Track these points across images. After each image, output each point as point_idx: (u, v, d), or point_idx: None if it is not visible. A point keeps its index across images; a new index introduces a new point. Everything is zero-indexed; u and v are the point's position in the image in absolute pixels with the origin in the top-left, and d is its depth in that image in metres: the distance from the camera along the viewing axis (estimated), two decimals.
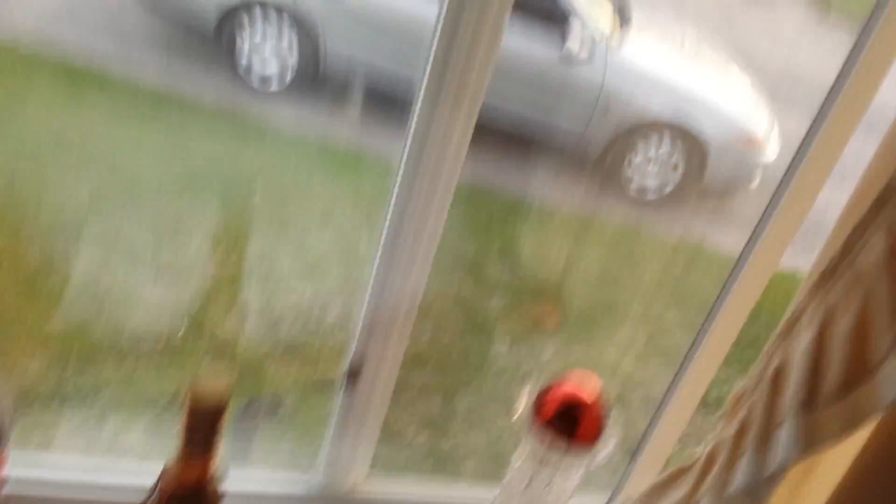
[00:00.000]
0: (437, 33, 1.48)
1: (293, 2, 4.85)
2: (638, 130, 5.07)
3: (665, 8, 7.94)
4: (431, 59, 1.50)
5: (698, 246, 5.08)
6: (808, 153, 1.74)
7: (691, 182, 5.23)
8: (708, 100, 5.28)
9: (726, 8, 9.23)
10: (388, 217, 1.68)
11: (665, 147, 5.12)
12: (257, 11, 4.93)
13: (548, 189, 5.18)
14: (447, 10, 1.45)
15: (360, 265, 3.96)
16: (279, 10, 4.93)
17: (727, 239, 5.27)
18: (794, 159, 1.82)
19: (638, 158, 5.16)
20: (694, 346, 2.00)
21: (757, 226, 1.93)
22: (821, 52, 8.95)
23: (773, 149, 5.26)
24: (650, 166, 5.18)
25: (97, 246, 3.63)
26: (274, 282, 3.69)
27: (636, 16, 5.62)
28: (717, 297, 1.95)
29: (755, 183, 5.37)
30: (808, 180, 1.77)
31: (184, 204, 3.90)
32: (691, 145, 5.09)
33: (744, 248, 1.95)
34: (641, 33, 5.46)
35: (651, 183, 5.23)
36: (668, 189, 5.25)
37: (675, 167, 5.18)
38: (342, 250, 3.97)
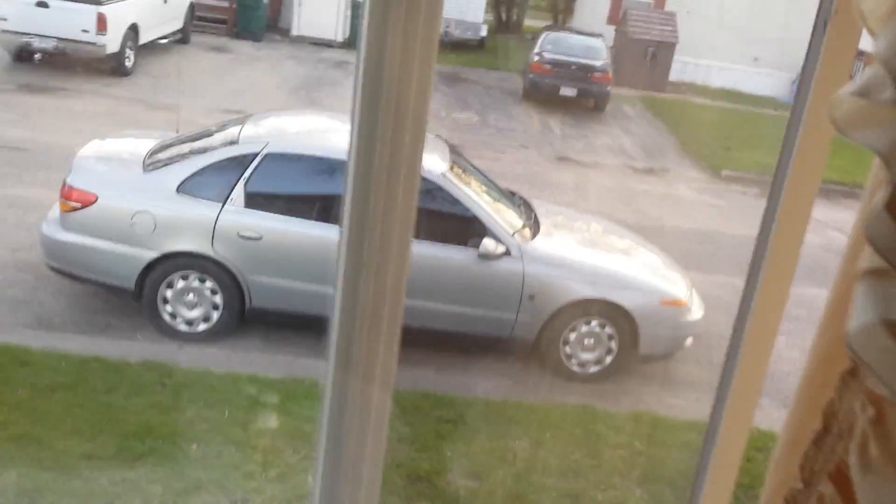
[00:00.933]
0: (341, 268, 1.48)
1: (213, 252, 4.97)
2: (566, 310, 5.19)
3: (569, 200, 8.44)
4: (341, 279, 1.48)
5: (650, 414, 5.05)
6: (749, 311, 1.72)
7: (628, 350, 5.31)
8: (622, 274, 5.50)
9: (625, 183, 9.85)
10: (324, 443, 1.57)
11: (595, 322, 5.23)
12: (177, 262, 5.01)
13: (493, 382, 5.16)
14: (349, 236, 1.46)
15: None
16: (198, 260, 5.04)
17: (678, 402, 5.27)
18: (738, 318, 1.81)
19: (572, 336, 5.25)
20: None
21: (719, 389, 1.89)
22: (723, 207, 9.54)
23: (696, 305, 5.43)
24: (585, 341, 5.27)
25: None
26: None
27: (544, 212, 5.96)
28: (697, 470, 1.88)
29: (689, 341, 5.48)
30: (759, 336, 1.74)
31: (117, 470, 3.71)
32: (618, 317, 5.22)
33: (712, 414, 1.89)
34: (551, 227, 5.77)
35: (589, 356, 5.29)
36: (609, 360, 5.31)
37: (610, 338, 5.27)
38: (289, 490, 3.79)
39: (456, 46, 13.77)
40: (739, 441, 1.79)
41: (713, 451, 1.82)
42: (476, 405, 4.75)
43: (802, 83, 1.41)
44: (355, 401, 1.54)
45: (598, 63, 12.47)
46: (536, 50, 12.59)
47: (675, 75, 14.98)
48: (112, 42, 9.90)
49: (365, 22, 1.34)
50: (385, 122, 1.40)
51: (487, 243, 5.07)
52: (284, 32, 14.30)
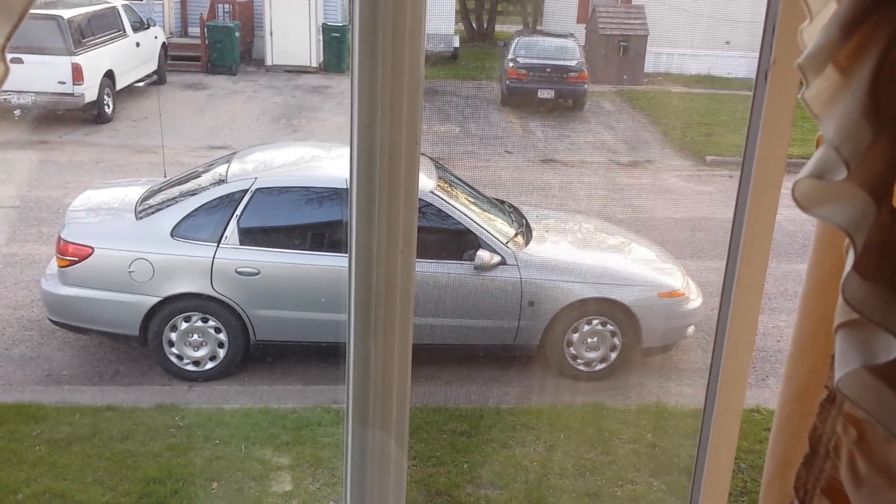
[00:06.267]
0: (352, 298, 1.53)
1: (213, 291, 5.02)
2: (566, 312, 5.25)
3: (558, 202, 8.51)
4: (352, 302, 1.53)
5: (659, 405, 5.11)
6: (732, 295, 1.77)
7: (632, 345, 5.37)
8: (617, 271, 5.58)
9: (611, 179, 9.93)
10: (349, 464, 1.62)
11: (595, 321, 5.30)
12: (179, 305, 5.07)
13: (502, 390, 5.21)
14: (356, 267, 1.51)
15: None
16: (199, 300, 5.10)
17: (686, 390, 5.33)
18: (721, 305, 1.87)
19: (575, 336, 5.31)
20: None
21: (710, 376, 1.95)
22: (711, 192, 9.63)
23: (694, 293, 5.49)
24: (588, 340, 5.33)
25: None
26: None
27: (535, 217, 6.03)
28: (697, 456, 1.94)
29: (691, 329, 5.55)
30: (742, 318, 1.79)
31: None
32: (618, 313, 5.28)
33: (706, 398, 1.94)
34: (543, 232, 5.85)
35: (593, 355, 5.36)
36: (613, 356, 5.37)
37: (613, 335, 5.33)
38: None
39: (429, 60, 13.88)
40: (734, 421, 1.84)
41: (710, 434, 1.87)
42: (487, 415, 4.81)
43: (749, 135, 1.49)
44: (376, 418, 1.59)
45: (572, 63, 12.57)
46: (510, 56, 12.68)
47: (649, 66, 15.08)
48: (89, 91, 9.95)
49: (355, 53, 1.40)
50: (382, 148, 1.46)
51: (482, 255, 5.13)
52: (259, 63, 14.37)
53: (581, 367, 5.37)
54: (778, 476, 1.06)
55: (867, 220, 0.77)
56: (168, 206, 5.31)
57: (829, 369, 0.89)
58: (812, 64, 0.82)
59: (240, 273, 5.05)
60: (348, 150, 1.48)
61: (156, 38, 12.34)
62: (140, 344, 5.12)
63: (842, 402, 0.87)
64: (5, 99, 9.73)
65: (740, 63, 15.52)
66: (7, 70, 0.81)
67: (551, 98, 12.22)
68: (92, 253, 4.98)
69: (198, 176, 5.73)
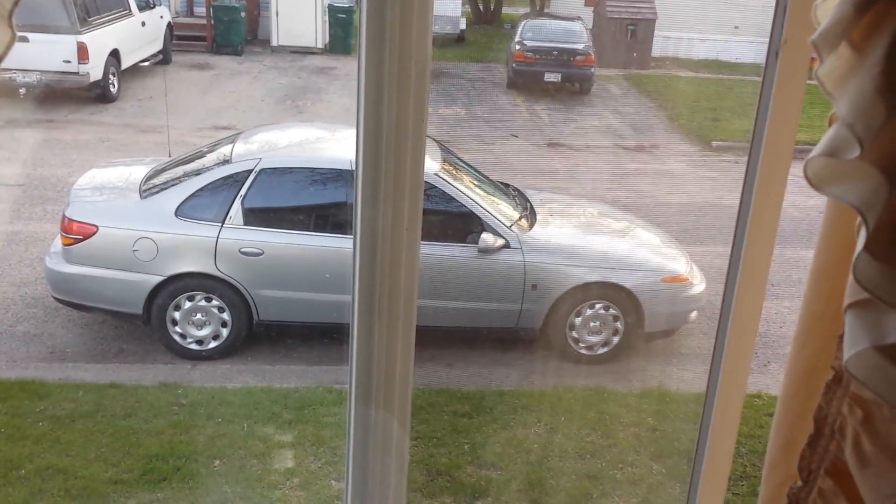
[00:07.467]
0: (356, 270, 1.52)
1: (217, 271, 5.03)
2: (569, 296, 5.25)
3: (563, 185, 8.49)
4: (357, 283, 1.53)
5: (661, 390, 5.12)
6: (736, 280, 1.77)
7: (634, 329, 5.37)
8: (621, 255, 5.56)
9: (617, 163, 9.90)
10: (351, 443, 1.62)
11: (598, 305, 5.30)
12: (183, 284, 5.08)
13: (504, 373, 5.22)
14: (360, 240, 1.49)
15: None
16: (203, 280, 5.11)
17: (688, 374, 5.34)
18: (725, 290, 1.86)
19: (578, 320, 5.31)
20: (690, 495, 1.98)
21: (713, 360, 1.94)
22: (716, 178, 9.59)
23: (698, 279, 5.48)
24: (591, 324, 5.33)
25: None
26: None
27: (539, 200, 6.02)
28: (698, 441, 1.95)
29: (693, 314, 5.54)
30: (746, 304, 1.79)
31: (144, 493, 3.77)
32: (621, 297, 5.28)
33: (708, 382, 1.94)
34: (547, 215, 5.84)
35: (595, 339, 5.36)
36: (616, 340, 5.37)
37: (615, 319, 5.34)
38: (313, 495, 3.86)
39: (435, 42, 13.81)
40: (736, 406, 1.84)
41: (712, 418, 1.87)
42: (489, 396, 4.82)
43: (758, 116, 1.47)
44: (379, 399, 1.59)
45: (579, 46, 12.50)
46: (517, 38, 12.61)
47: (657, 51, 14.99)
48: (95, 70, 9.93)
49: (363, 32, 1.39)
50: (388, 127, 1.45)
51: (486, 237, 5.13)
52: (264, 44, 14.31)
53: (583, 351, 5.37)
54: (782, 456, 1.06)
55: (880, 200, 0.76)
56: (172, 185, 5.31)
57: (836, 350, 0.89)
58: (826, 41, 0.81)
59: (243, 253, 5.06)
60: (353, 131, 1.48)
61: (161, 17, 12.29)
62: (144, 322, 5.14)
63: (848, 383, 0.87)
64: (11, 77, 9.70)
65: (748, 48, 15.41)
66: (14, 37, 0.80)
67: (558, 81, 12.16)
68: (96, 231, 4.98)
69: (202, 156, 5.72)
